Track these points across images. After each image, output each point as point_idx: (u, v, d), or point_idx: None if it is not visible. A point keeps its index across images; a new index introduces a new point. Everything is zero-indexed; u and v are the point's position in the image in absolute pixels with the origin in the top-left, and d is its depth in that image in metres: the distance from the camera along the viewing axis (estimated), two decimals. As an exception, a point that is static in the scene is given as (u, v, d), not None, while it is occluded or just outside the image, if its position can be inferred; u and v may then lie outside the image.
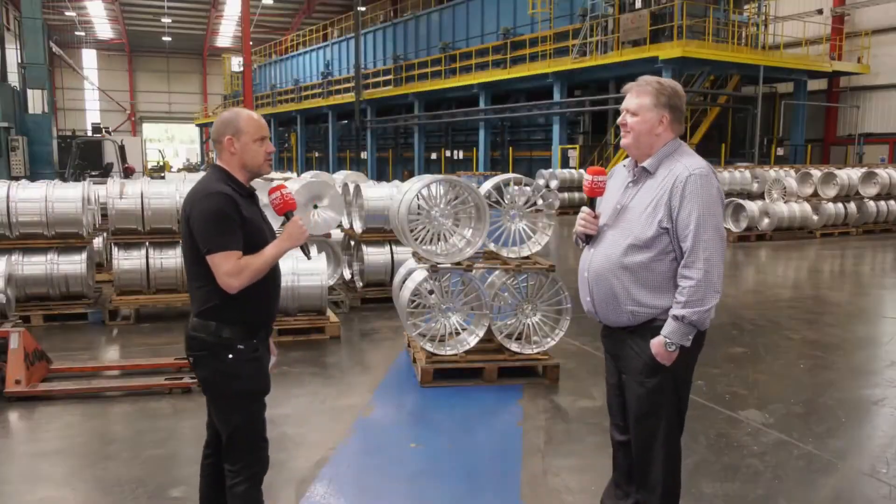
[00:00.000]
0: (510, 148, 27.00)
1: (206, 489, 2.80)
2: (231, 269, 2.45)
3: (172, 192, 6.93)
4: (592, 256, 2.75)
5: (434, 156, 29.91)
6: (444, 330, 5.22)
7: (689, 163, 2.59)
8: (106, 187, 7.16)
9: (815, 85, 23.58)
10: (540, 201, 5.40)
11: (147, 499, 3.46)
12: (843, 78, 23.47)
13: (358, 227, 7.76)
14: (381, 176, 29.93)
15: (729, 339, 6.48)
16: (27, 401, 4.72)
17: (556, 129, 22.85)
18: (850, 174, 14.79)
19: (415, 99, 28.68)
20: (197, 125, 49.63)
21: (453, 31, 28.35)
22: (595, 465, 3.72)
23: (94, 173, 20.05)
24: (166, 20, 44.62)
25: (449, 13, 28.75)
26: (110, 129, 31.50)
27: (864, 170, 15.46)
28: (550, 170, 20.38)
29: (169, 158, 42.44)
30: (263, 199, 2.84)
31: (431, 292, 5.23)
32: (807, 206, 14.19)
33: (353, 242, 8.20)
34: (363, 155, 31.79)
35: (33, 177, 15.46)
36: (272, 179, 5.95)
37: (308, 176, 8.64)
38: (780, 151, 22.55)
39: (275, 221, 3.74)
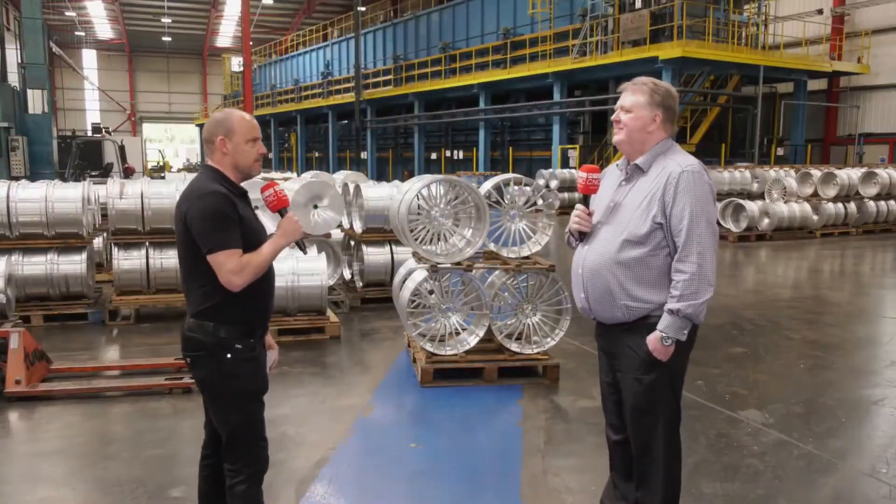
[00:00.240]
0: (510, 148, 26.99)
1: (206, 489, 2.80)
2: (234, 266, 2.45)
3: (172, 192, 6.93)
4: (586, 253, 2.77)
5: (434, 156, 29.90)
6: (444, 330, 5.22)
7: (682, 160, 2.64)
8: (106, 187, 7.16)
9: (815, 85, 23.58)
10: (540, 201, 5.40)
11: (147, 499, 3.46)
12: (843, 78, 23.47)
13: (358, 227, 7.76)
14: (381, 176, 29.93)
15: (729, 339, 6.48)
16: (27, 401, 4.72)
17: (556, 129, 22.84)
18: (850, 174, 14.79)
19: (415, 99, 28.68)
20: (197, 125, 49.56)
21: (453, 31, 28.34)
22: (595, 465, 3.72)
23: (94, 173, 20.05)
24: (166, 20, 44.60)
25: (449, 13, 28.74)
26: (110, 130, 31.50)
27: (864, 170, 15.46)
28: (550, 170, 20.37)
29: (169, 158, 42.46)
30: (254, 197, 2.84)
31: (431, 292, 5.23)
32: (807, 206, 14.19)
33: (353, 242, 8.20)
34: (363, 155, 31.79)
35: (33, 177, 15.45)
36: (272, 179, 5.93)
37: (308, 176, 8.64)
38: (780, 151, 22.55)
39: (268, 221, 3.73)
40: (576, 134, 24.08)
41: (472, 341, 5.23)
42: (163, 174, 24.87)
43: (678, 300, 2.56)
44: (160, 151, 40.29)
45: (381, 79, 31.36)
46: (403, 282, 5.44)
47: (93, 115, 48.23)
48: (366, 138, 32.00)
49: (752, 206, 13.63)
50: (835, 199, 14.53)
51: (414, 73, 28.97)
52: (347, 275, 8.10)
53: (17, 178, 10.16)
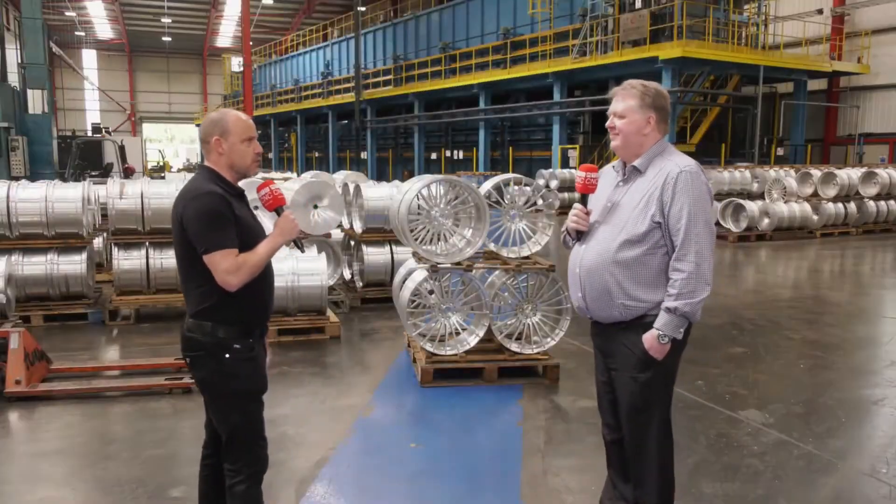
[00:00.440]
0: (510, 148, 26.99)
1: (206, 489, 2.81)
2: (230, 266, 2.45)
3: (172, 192, 6.92)
4: (584, 253, 2.78)
5: (434, 156, 29.90)
6: (444, 330, 5.22)
7: (679, 161, 2.66)
8: (106, 187, 7.17)
9: (815, 85, 23.58)
10: (540, 201, 5.40)
11: (147, 499, 3.46)
12: (843, 78, 23.46)
13: (358, 227, 7.76)
14: (381, 176, 29.92)
15: (729, 339, 6.48)
16: (27, 401, 4.72)
17: (556, 129, 22.84)
18: (850, 174, 14.79)
19: (415, 99, 28.67)
20: (197, 125, 49.54)
21: (453, 31, 28.34)
22: (595, 465, 3.72)
23: (94, 173, 20.04)
24: (166, 20, 44.59)
25: (449, 13, 28.74)
26: (110, 130, 31.50)
27: (864, 170, 15.46)
28: (550, 170, 20.38)
29: (169, 158, 42.43)
30: (252, 197, 2.84)
31: (431, 292, 5.23)
32: (807, 206, 14.18)
33: (353, 242, 8.20)
34: (363, 155, 31.78)
35: (33, 177, 15.44)
36: (272, 179, 5.94)
37: (308, 176, 8.64)
38: (780, 151, 22.55)
39: (267, 221, 3.74)
40: (576, 134, 24.08)
41: (472, 341, 5.23)
42: (163, 174, 24.84)
43: (675, 299, 2.58)
44: (160, 151, 40.26)
45: (381, 79, 31.36)
46: (403, 282, 5.44)
47: (93, 115, 48.23)
48: (366, 138, 32.00)
49: (752, 206, 13.63)
50: (835, 199, 14.53)
51: (414, 73, 28.96)
52: (347, 275, 8.10)
53: (17, 178, 10.15)
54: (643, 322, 2.67)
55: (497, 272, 5.40)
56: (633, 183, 2.71)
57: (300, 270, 6.32)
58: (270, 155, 40.05)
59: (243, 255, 2.49)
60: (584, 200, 2.83)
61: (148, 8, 43.73)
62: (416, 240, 5.24)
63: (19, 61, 24.65)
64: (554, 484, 3.64)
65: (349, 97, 30.95)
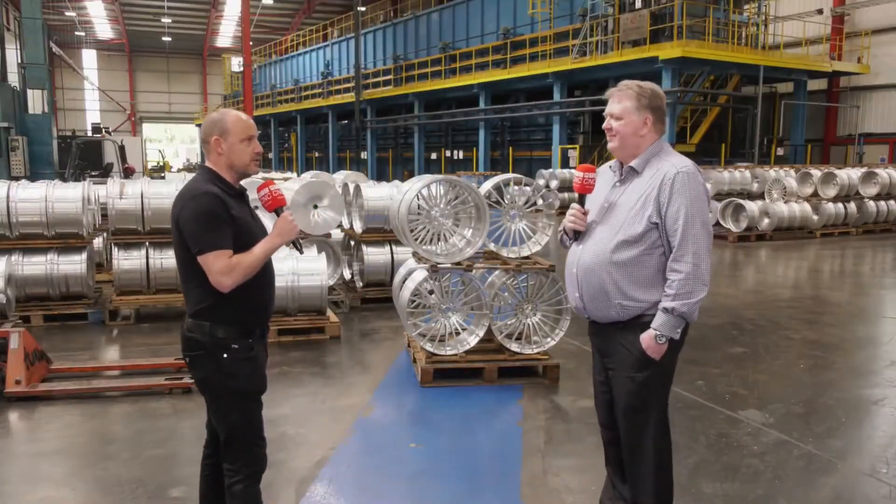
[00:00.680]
0: (510, 148, 26.98)
1: (206, 489, 2.81)
2: (222, 267, 2.45)
3: (172, 193, 6.92)
4: (581, 252, 2.78)
5: (434, 156, 29.90)
6: (444, 330, 5.22)
7: (676, 161, 2.67)
8: (106, 187, 7.17)
9: (815, 85, 23.57)
10: (540, 201, 5.40)
11: (147, 499, 3.46)
12: (843, 78, 23.46)
13: (358, 227, 7.76)
14: (381, 176, 29.93)
15: (729, 339, 6.48)
16: (27, 401, 4.72)
17: (556, 129, 22.84)
18: (850, 174, 14.79)
19: (415, 99, 28.67)
20: (197, 125, 49.53)
21: (453, 31, 28.33)
22: (595, 465, 3.72)
23: (94, 173, 20.03)
24: (166, 20, 44.58)
25: (449, 13, 28.73)
26: (110, 130, 31.47)
27: (864, 170, 15.46)
28: (550, 170, 20.37)
29: (169, 158, 42.43)
30: (253, 197, 2.84)
31: (431, 292, 5.23)
32: (807, 206, 14.18)
33: (353, 242, 8.20)
34: (363, 155, 31.77)
35: (33, 177, 15.45)
36: (272, 180, 5.94)
37: (308, 176, 8.64)
38: (780, 151, 22.54)
39: (269, 221, 3.74)
40: (576, 134, 24.08)
41: (472, 341, 5.23)
42: (163, 174, 24.84)
43: (673, 299, 2.59)
44: (160, 151, 40.27)
45: (381, 79, 31.35)
46: (403, 282, 5.44)
47: (93, 115, 48.22)
48: (366, 138, 31.99)
49: (752, 206, 13.63)
50: (835, 199, 14.53)
51: (414, 73, 28.96)
52: (347, 275, 8.10)
53: (17, 178, 10.16)
54: (641, 322, 2.68)
55: (497, 272, 5.40)
56: (630, 183, 2.72)
57: (300, 270, 6.32)
58: (270, 155, 40.04)
59: (238, 256, 2.49)
60: (581, 200, 2.84)
61: (148, 8, 43.73)
62: (416, 240, 5.24)
63: (19, 61, 24.64)
64: (554, 484, 3.64)
65: (349, 97, 30.95)
